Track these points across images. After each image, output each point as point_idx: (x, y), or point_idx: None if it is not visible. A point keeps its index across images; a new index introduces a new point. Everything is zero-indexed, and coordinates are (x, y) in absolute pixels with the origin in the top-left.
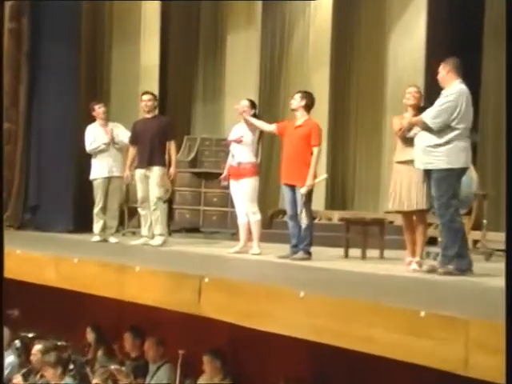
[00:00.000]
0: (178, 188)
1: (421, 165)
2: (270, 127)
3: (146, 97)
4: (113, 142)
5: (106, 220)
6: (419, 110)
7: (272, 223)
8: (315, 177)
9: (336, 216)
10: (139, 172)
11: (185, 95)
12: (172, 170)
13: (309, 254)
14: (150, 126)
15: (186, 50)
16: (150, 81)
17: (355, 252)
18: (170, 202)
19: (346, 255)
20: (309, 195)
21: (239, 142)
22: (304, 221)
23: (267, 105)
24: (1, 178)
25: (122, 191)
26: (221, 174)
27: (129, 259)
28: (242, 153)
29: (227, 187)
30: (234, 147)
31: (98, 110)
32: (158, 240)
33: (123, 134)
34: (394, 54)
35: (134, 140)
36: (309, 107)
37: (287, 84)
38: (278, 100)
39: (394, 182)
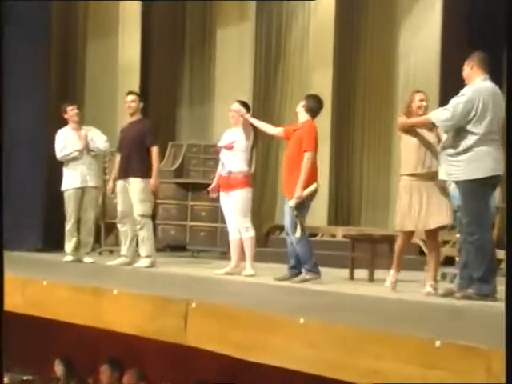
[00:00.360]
0: (161, 201)
1: (444, 176)
2: (275, 130)
3: (129, 97)
4: (87, 148)
5: (81, 237)
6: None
7: (268, 240)
8: (305, 187)
9: (340, 232)
10: (119, 183)
11: (169, 97)
12: (153, 180)
13: (314, 273)
14: (131, 131)
15: (171, 47)
16: (130, 80)
17: (362, 273)
18: (152, 216)
19: (352, 277)
20: (301, 208)
21: (230, 148)
22: (296, 235)
23: (262, 108)
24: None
25: (99, 204)
26: (210, 185)
27: (105, 281)
28: (233, 161)
29: (217, 200)
30: (224, 155)
31: (71, 112)
32: (144, 262)
33: (99, 140)
34: (405, 52)
35: (118, 147)
36: (311, 110)
37: (284, 85)
38: (274, 103)
39: (406, 198)
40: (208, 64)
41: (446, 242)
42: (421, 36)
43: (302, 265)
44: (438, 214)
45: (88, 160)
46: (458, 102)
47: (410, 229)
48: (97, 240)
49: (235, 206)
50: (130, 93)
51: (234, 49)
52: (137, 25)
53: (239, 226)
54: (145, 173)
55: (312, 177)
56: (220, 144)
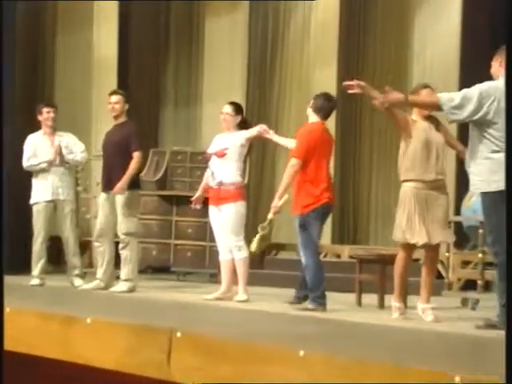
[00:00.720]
0: (141, 216)
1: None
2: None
3: (113, 98)
4: (61, 159)
5: (67, 259)
6: (428, 119)
7: (264, 261)
8: (280, 197)
9: (346, 252)
10: (102, 195)
11: (151, 98)
12: (120, 183)
13: (319, 304)
14: (115, 136)
15: (153, 42)
16: (106, 79)
17: (370, 298)
18: None
19: (359, 303)
20: (305, 223)
21: (222, 155)
22: (302, 259)
23: (257, 110)
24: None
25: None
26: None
27: (78, 308)
28: (224, 170)
29: (205, 214)
30: (214, 163)
31: (46, 114)
32: (122, 286)
33: (76, 149)
34: (421, 44)
35: (103, 154)
36: (320, 110)
37: (282, 85)
38: (270, 105)
39: (408, 207)
40: (195, 61)
41: (467, 263)
42: (438, 28)
43: (309, 291)
44: (443, 228)
45: (60, 170)
46: (475, 92)
47: (411, 241)
48: (64, 260)
49: (227, 222)
50: (114, 92)
51: (224, 45)
52: (114, 17)
53: (231, 245)
54: (131, 184)
55: (315, 187)
56: (210, 151)
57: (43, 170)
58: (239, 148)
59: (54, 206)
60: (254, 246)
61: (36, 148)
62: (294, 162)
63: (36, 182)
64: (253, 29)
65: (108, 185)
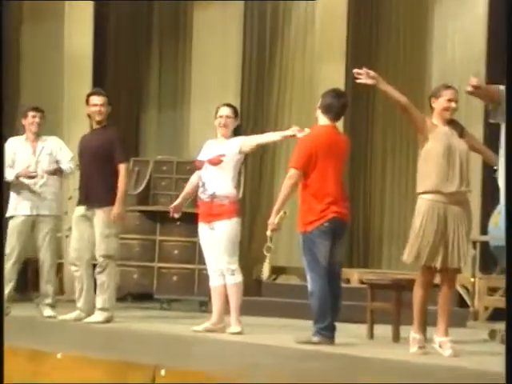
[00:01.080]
0: (121, 235)
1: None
2: None
3: (97, 99)
4: (48, 170)
5: (41, 284)
6: (450, 123)
7: (261, 287)
8: (278, 212)
9: (355, 276)
10: (77, 211)
11: (131, 99)
12: (116, 207)
13: (325, 337)
14: (93, 142)
15: (134, 36)
16: (79, 78)
17: (384, 330)
18: None
19: (371, 335)
20: (308, 242)
21: (217, 163)
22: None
23: (253, 113)
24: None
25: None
26: (184, 214)
27: (48, 342)
28: (218, 181)
29: (190, 231)
30: (207, 172)
31: (32, 119)
32: (98, 316)
33: (63, 157)
34: (442, 38)
35: (79, 163)
36: (328, 109)
37: (282, 84)
38: (269, 106)
39: (425, 223)
40: (182, 58)
41: (494, 290)
42: (461, 15)
43: (313, 322)
44: (465, 250)
45: (43, 180)
46: None
47: (427, 263)
48: (35, 287)
49: (219, 242)
50: (98, 93)
51: (215, 40)
52: (88, 7)
53: (223, 269)
54: (112, 200)
55: (320, 201)
56: (201, 157)
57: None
58: (237, 155)
59: (32, 221)
60: (266, 272)
61: (15, 154)
62: (291, 173)
63: (14, 192)
64: (248, 22)
65: (85, 199)
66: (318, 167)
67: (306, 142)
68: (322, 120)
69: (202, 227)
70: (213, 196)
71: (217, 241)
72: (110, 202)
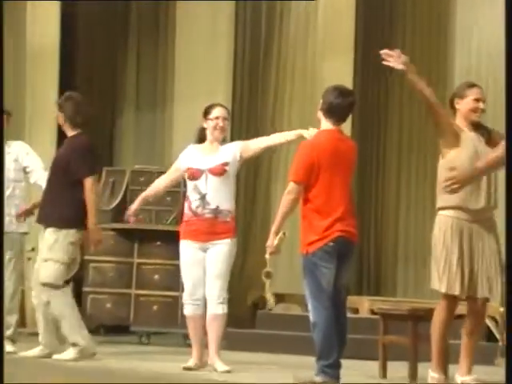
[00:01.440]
0: (91, 257)
1: None
2: None
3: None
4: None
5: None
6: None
7: (255, 318)
8: (276, 233)
9: (366, 306)
10: (41, 230)
11: (104, 99)
12: (91, 234)
13: (330, 376)
14: (57, 153)
15: (107, 25)
16: (44, 74)
17: (399, 367)
18: (78, 281)
19: (384, 373)
20: (310, 265)
21: (221, 173)
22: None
23: (246, 115)
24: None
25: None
26: (166, 232)
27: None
28: (221, 193)
29: (173, 253)
30: (207, 183)
31: None
32: (69, 353)
33: (32, 163)
34: (465, 29)
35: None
36: (330, 110)
37: (280, 82)
38: (265, 107)
39: (447, 244)
40: (164, 51)
41: None
42: (488, 5)
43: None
44: (494, 276)
45: (9, 190)
46: None
47: (449, 291)
48: None
49: (215, 265)
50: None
51: (203, 30)
52: (53, 6)
53: (213, 296)
54: (62, 220)
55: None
56: (198, 166)
57: None
58: (237, 163)
59: None
60: (271, 301)
61: None
62: (290, 187)
63: None
64: (241, 12)
65: (39, 218)
66: (321, 179)
67: (306, 151)
68: (324, 123)
69: (191, 246)
70: (216, 211)
71: (212, 263)
72: (54, 222)
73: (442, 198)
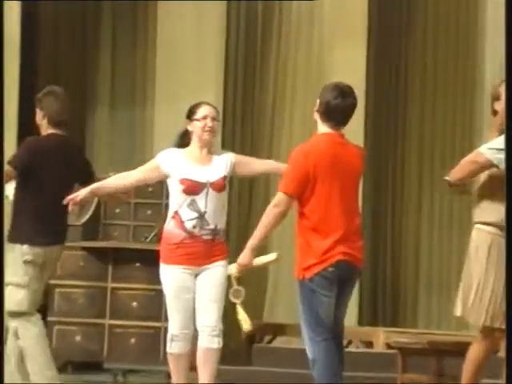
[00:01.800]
0: (58, 281)
1: None
2: None
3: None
4: None
5: None
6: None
7: (251, 351)
8: (254, 250)
9: (381, 338)
10: None
11: (76, 96)
12: None
13: None
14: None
15: (78, 13)
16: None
17: None
18: (42, 309)
19: None
20: (307, 293)
21: (222, 189)
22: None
23: (240, 116)
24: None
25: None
26: (145, 251)
27: None
28: (218, 212)
29: (154, 275)
30: (207, 200)
31: None
32: None
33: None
34: (496, 22)
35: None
36: (327, 112)
37: (280, 78)
38: (263, 106)
39: (483, 263)
40: (143, 44)
41: None
42: None
43: None
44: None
45: None
46: None
47: (494, 323)
48: None
49: (213, 288)
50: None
51: (188, 20)
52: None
53: (206, 325)
54: (18, 233)
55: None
56: (197, 178)
57: None
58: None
59: None
60: (248, 323)
61: None
62: (278, 199)
63: None
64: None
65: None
66: (318, 191)
67: (299, 157)
68: (321, 127)
69: (181, 272)
70: (215, 231)
71: (206, 288)
72: (15, 235)
73: (485, 212)
